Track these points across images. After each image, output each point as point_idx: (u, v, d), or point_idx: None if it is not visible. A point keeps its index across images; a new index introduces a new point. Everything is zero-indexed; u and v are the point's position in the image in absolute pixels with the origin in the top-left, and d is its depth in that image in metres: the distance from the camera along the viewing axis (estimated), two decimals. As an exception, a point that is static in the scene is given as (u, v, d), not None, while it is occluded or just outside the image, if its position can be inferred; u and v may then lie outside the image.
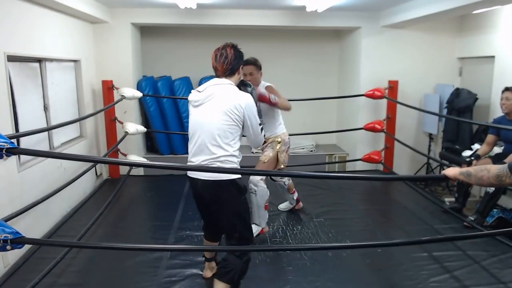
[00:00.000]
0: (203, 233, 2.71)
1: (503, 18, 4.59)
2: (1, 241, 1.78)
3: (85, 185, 4.58)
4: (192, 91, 2.42)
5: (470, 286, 2.72)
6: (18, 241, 1.83)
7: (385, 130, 5.29)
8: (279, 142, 3.47)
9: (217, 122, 2.26)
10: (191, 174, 2.35)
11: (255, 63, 3.40)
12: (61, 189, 3.41)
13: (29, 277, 2.66)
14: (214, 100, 2.29)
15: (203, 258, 2.80)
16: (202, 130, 2.28)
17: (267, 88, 3.41)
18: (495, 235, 3.31)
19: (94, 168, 4.82)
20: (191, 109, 2.39)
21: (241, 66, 2.46)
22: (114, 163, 5.18)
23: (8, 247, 1.81)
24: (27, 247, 3.18)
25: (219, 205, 2.35)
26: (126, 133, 4.82)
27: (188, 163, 2.37)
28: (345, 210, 4.22)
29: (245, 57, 6.44)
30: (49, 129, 3.70)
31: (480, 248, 3.22)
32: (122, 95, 4.69)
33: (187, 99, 6.04)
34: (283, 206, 4.16)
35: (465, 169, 1.85)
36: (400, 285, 2.78)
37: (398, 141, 5.15)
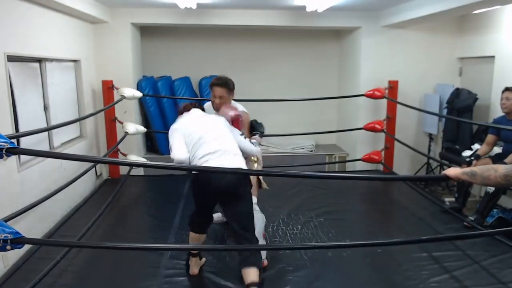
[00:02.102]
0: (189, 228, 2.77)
1: (503, 18, 4.59)
2: (1, 241, 1.78)
3: (85, 185, 4.58)
4: None
5: (470, 286, 2.72)
6: (18, 241, 1.83)
7: (385, 130, 5.29)
8: (256, 161, 3.17)
9: None
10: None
11: (226, 84, 2.95)
12: (61, 189, 3.41)
13: (29, 277, 2.66)
14: None
15: (188, 256, 2.83)
16: None
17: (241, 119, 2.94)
18: (495, 235, 3.31)
19: (94, 168, 4.82)
20: None
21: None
22: (114, 163, 5.17)
23: (8, 247, 1.80)
24: (27, 247, 3.18)
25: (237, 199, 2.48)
26: (126, 133, 4.82)
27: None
28: (345, 210, 4.22)
29: (243, 57, 6.48)
30: (49, 129, 3.70)
31: (480, 248, 3.21)
32: (122, 95, 4.68)
33: (187, 99, 6.06)
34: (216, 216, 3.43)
35: (468, 169, 1.83)
36: (400, 285, 2.78)
37: (398, 141, 5.15)
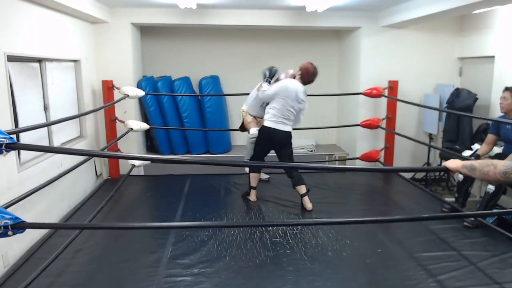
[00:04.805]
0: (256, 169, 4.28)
1: (503, 18, 4.59)
2: (2, 228, 1.73)
3: (85, 185, 4.58)
4: None
5: (470, 286, 2.71)
6: (19, 226, 1.76)
7: (382, 126, 5.29)
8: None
9: None
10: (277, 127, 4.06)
11: None
12: (58, 178, 3.40)
13: (29, 277, 2.65)
14: None
15: (250, 190, 4.34)
16: None
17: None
18: (494, 234, 3.31)
19: (94, 168, 4.82)
20: None
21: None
22: (114, 157, 5.07)
23: (10, 232, 1.73)
24: (27, 247, 3.20)
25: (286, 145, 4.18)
26: (130, 129, 4.78)
27: None
28: (345, 210, 4.22)
29: (243, 57, 6.58)
30: (48, 124, 3.67)
31: (480, 248, 3.22)
32: (126, 94, 4.67)
33: (188, 96, 6.00)
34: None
35: (469, 162, 1.81)
36: (400, 285, 2.78)
37: (399, 134, 5.15)
